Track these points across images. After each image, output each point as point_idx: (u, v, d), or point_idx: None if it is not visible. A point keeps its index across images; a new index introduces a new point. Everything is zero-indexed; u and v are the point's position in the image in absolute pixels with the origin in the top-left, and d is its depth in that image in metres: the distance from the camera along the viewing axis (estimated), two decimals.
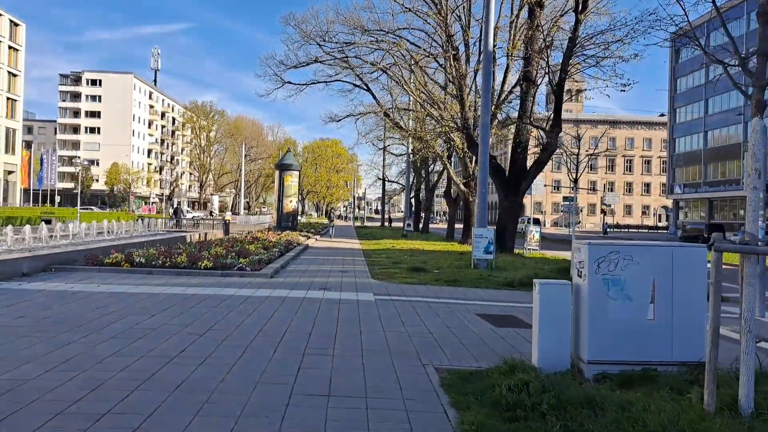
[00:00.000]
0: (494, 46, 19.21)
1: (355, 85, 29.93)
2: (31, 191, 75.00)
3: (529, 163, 24.07)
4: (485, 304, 10.61)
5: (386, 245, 27.79)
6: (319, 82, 29.51)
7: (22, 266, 11.68)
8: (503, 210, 23.46)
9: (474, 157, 29.86)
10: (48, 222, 32.79)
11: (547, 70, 22.15)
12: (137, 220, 34.23)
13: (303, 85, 29.25)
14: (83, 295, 9.71)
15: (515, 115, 26.38)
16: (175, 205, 54.20)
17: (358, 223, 75.24)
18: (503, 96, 24.79)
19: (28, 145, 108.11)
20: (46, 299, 9.19)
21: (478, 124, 28.46)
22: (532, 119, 22.91)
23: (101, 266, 13.13)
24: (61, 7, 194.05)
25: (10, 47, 72.49)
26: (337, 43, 27.23)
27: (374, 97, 31.13)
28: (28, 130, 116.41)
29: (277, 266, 15.01)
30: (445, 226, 50.66)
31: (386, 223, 69.57)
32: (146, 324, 7.56)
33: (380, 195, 76.26)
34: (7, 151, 71.85)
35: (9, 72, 72.47)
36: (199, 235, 26.94)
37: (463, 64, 25.43)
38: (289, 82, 29.07)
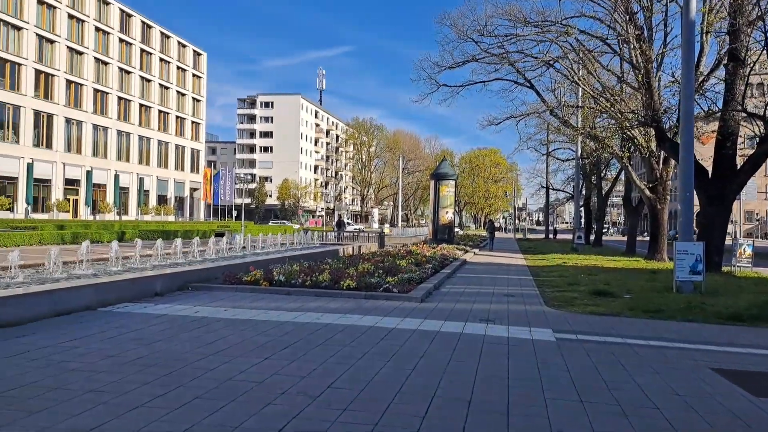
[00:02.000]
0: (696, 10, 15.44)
1: (517, 83, 27.12)
2: (211, 207, 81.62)
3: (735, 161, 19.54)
4: (716, 350, 7.51)
5: (555, 261, 24.51)
6: (476, 83, 27.16)
7: (156, 285, 10.76)
8: (706, 219, 19.18)
9: (662, 158, 25.49)
10: (221, 235, 34.08)
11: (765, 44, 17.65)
12: (298, 232, 34.45)
13: (459, 86, 27.12)
14: (201, 324, 8.30)
15: (712, 106, 21.88)
16: (337, 218, 54.81)
17: (519, 236, 71.18)
18: (701, 79, 20.48)
19: (212, 164, 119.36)
20: (158, 329, 7.87)
21: (670, 115, 24.31)
22: (745, 106, 18.42)
23: (239, 284, 11.94)
24: (239, 39, 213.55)
25: (194, 75, 79.59)
26: (496, 36, 24.70)
27: (538, 93, 28.03)
28: (212, 151, 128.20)
29: (430, 287, 12.87)
30: (617, 238, 45.35)
31: (551, 235, 64.78)
32: (251, 373, 5.74)
33: (543, 205, 71.52)
34: (192, 170, 78.66)
35: (193, 98, 79.52)
36: (353, 248, 25.82)
37: (649, 48, 21.53)
38: (444, 85, 27.07)
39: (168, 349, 6.64)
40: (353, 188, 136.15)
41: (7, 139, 48.77)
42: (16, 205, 48.30)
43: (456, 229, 44.09)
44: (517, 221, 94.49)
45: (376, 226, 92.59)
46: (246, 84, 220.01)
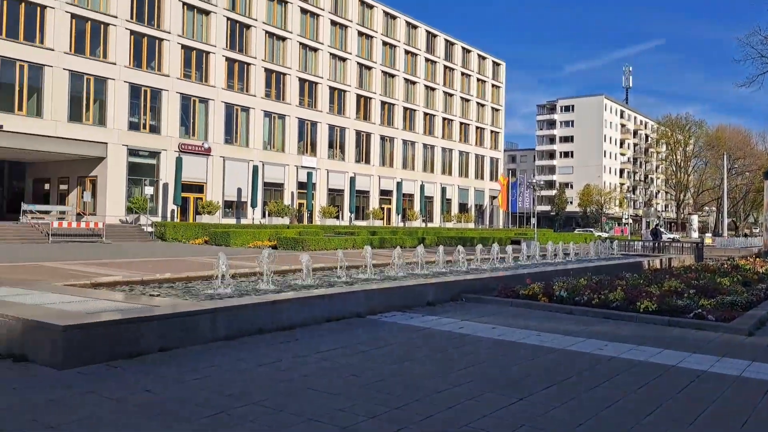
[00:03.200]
0: None
1: None
2: (509, 214, 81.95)
3: None
4: None
5: None
6: None
7: (427, 294, 10.38)
8: None
9: None
10: (518, 242, 33.53)
11: None
12: (594, 241, 31.81)
13: None
14: (460, 344, 7.46)
15: None
16: (653, 227, 49.44)
17: None
18: None
19: (511, 172, 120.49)
20: (412, 344, 7.27)
21: None
22: None
23: (515, 298, 10.87)
24: (539, 47, 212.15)
25: (493, 85, 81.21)
26: None
27: None
28: (512, 159, 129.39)
29: (762, 314, 9.89)
30: None
31: None
32: (490, 419, 4.61)
33: None
34: (491, 179, 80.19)
35: (492, 108, 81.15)
36: (661, 261, 22.39)
37: None
38: None
39: (406, 371, 5.92)
40: (666, 193, 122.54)
41: (336, 156, 56.35)
42: (341, 213, 55.35)
43: None
44: None
45: (695, 235, 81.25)
46: (548, 91, 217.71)
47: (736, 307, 10.34)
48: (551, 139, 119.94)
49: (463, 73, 75.53)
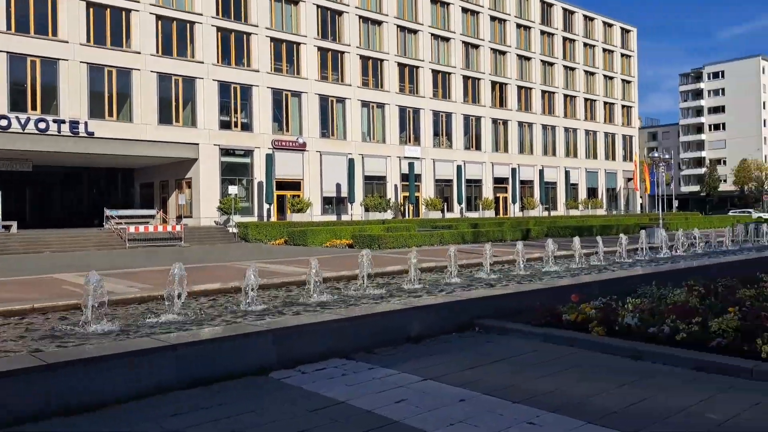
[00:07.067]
0: None
1: None
2: (647, 197, 73.10)
3: None
4: None
5: None
6: None
7: (411, 325, 6.95)
8: None
9: None
10: (645, 228, 28.28)
11: None
12: (734, 226, 25.62)
13: None
14: None
15: None
16: None
17: None
18: None
19: (653, 151, 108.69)
20: None
21: None
22: None
23: (556, 326, 7.07)
24: (688, 14, 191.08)
25: (622, 55, 72.86)
26: None
27: None
28: (653, 136, 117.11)
29: None
30: None
31: None
32: None
33: None
34: (625, 159, 72.11)
35: (623, 80, 72.83)
36: None
37: None
38: None
39: None
40: None
41: (442, 144, 52.83)
42: (450, 205, 51.73)
43: None
44: None
45: None
46: (697, 62, 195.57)
47: None
48: (698, 111, 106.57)
49: (586, 44, 68.31)
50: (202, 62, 37.05)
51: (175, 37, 36.37)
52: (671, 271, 11.39)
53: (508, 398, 5.06)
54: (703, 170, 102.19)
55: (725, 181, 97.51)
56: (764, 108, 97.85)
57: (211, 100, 37.45)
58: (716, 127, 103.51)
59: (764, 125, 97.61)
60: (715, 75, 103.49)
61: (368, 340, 6.70)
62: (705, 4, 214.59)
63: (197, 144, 36.66)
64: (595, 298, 7.82)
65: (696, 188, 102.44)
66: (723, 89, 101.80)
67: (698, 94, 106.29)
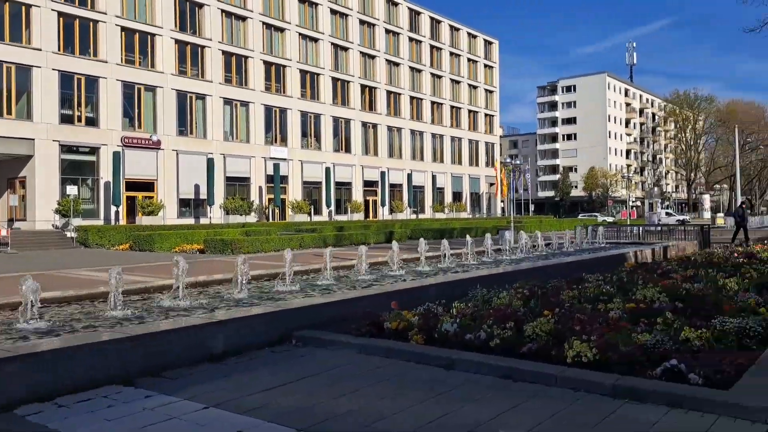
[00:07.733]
0: None
1: None
2: (507, 201, 77.22)
3: None
4: None
5: None
6: None
7: (215, 340, 6.09)
8: None
9: None
10: (501, 230, 29.28)
11: None
12: (583, 227, 27.46)
13: None
14: None
15: None
16: (735, 206, 42.85)
17: None
18: None
19: (513, 158, 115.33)
20: None
21: None
22: None
23: (377, 335, 6.55)
24: (547, 32, 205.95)
25: (485, 66, 76.34)
26: None
27: None
28: (514, 144, 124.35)
29: None
30: None
31: None
32: None
33: None
34: (488, 165, 75.56)
35: (486, 90, 76.32)
36: (654, 250, 17.91)
37: None
38: None
39: None
40: (676, 172, 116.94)
41: (311, 146, 51.94)
42: (319, 208, 50.92)
43: None
44: None
45: (707, 215, 76.06)
46: (554, 75, 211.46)
47: (747, 341, 6.00)
48: (553, 122, 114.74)
49: (452, 53, 70.79)
50: (40, 49, 33.32)
51: (7, 21, 32.39)
52: (506, 273, 11.48)
53: (297, 425, 4.39)
54: (557, 177, 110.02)
55: (576, 187, 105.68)
56: (609, 120, 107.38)
57: (51, 92, 33.79)
58: (569, 137, 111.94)
59: (609, 136, 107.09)
60: (568, 89, 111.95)
61: (158, 361, 5.75)
62: (562, 24, 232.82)
63: (32, 139, 32.90)
64: (433, 302, 7.44)
65: (551, 193, 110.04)
66: (575, 102, 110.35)
67: (553, 105, 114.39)
